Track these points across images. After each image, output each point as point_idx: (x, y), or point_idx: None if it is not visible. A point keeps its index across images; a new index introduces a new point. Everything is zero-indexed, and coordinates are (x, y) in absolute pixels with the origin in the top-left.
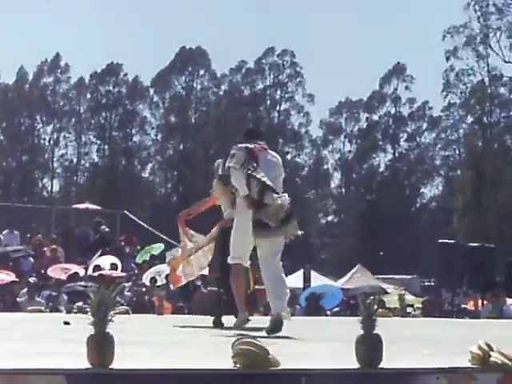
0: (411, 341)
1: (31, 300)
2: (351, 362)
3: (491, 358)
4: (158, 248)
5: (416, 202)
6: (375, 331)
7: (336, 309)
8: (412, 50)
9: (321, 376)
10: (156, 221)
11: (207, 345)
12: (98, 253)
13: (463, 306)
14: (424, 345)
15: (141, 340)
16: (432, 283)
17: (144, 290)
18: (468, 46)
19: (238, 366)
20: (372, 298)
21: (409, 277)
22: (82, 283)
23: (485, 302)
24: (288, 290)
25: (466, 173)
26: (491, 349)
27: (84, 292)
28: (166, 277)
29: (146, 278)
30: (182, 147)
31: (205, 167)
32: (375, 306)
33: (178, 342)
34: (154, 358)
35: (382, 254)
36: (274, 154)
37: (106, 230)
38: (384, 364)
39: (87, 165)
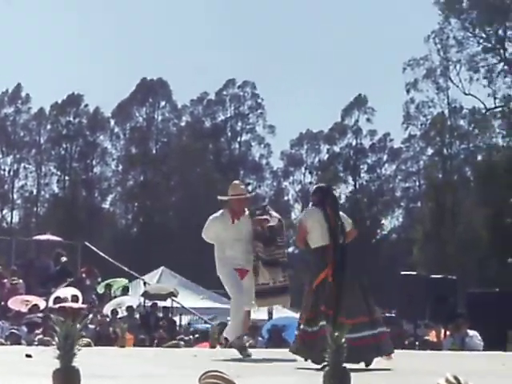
0: (377, 373)
1: None
2: None
3: None
4: (119, 283)
5: (376, 233)
6: (343, 364)
7: None
8: (373, 82)
9: None
10: (116, 251)
11: (173, 378)
12: (63, 284)
13: (425, 337)
14: (389, 377)
15: (107, 374)
16: (393, 315)
17: (108, 320)
18: (428, 78)
19: None
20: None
21: None
22: (41, 314)
23: (447, 334)
24: None
25: (427, 204)
26: (459, 381)
27: (42, 323)
28: (127, 309)
29: (107, 310)
30: (142, 178)
31: (166, 198)
32: (343, 339)
33: (145, 375)
34: None
35: None
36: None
37: (67, 261)
38: None
39: (47, 196)
